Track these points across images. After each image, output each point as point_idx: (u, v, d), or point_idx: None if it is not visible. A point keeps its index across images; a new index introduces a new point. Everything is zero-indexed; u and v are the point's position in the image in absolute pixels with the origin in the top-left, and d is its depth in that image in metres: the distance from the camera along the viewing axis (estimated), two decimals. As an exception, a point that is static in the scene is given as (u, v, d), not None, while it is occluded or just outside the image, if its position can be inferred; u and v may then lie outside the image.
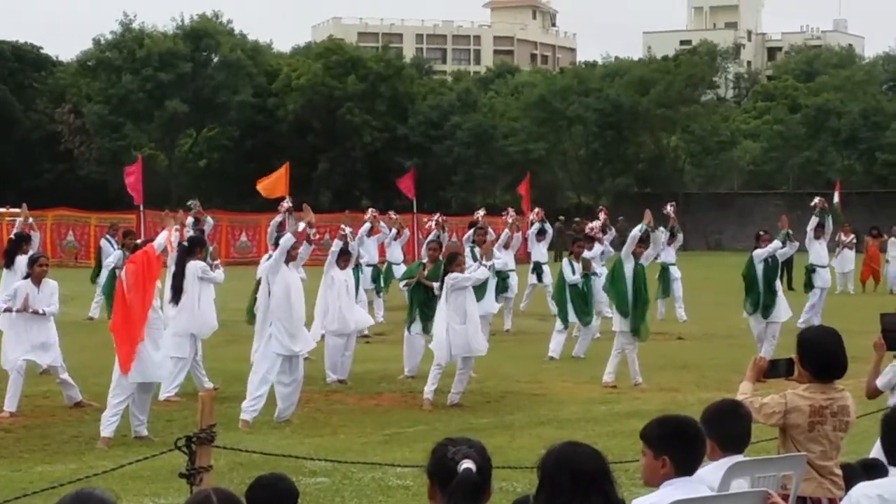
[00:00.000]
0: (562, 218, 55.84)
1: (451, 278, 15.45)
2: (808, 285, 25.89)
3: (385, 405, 15.70)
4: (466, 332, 15.51)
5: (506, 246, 23.65)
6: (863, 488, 5.71)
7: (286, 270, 14.53)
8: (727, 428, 6.28)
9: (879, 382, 8.86)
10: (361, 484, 11.01)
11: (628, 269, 17.31)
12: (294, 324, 14.41)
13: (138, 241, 17.63)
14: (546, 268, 26.83)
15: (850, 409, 6.82)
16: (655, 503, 5.39)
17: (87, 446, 12.73)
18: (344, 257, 17.62)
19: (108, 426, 12.91)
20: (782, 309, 19.75)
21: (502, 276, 23.18)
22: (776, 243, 19.70)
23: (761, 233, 20.76)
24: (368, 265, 25.15)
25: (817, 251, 26.05)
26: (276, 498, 5.93)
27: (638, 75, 76.03)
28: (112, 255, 22.71)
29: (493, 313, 21.75)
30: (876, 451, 8.02)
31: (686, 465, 5.57)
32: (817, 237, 25.74)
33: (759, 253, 19.69)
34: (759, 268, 19.62)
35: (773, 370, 7.02)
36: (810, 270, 25.91)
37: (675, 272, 27.73)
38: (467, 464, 4.54)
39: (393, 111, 75.29)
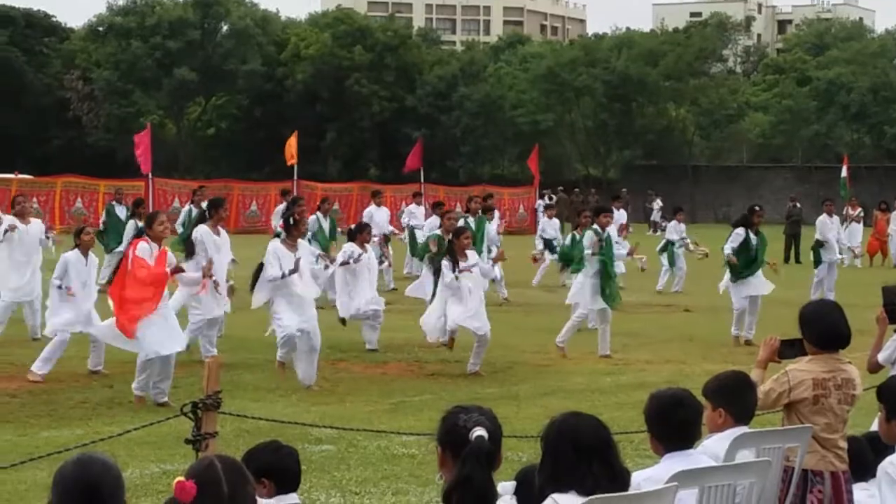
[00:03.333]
0: (560, 188, 55.52)
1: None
2: (817, 261, 25.58)
3: (391, 374, 15.73)
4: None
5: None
6: None
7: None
8: (745, 400, 6.32)
9: (881, 357, 8.74)
10: (367, 452, 11.05)
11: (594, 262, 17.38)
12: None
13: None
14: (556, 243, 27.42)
15: (856, 383, 6.75)
16: (655, 476, 5.42)
17: (94, 412, 12.77)
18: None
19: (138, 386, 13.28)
20: (762, 284, 19.49)
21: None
22: (738, 239, 19.17)
23: (756, 208, 20.08)
24: (375, 236, 25.34)
25: (826, 224, 26.07)
26: (285, 463, 5.95)
27: (647, 47, 75.78)
28: (129, 225, 22.91)
29: None
30: (877, 425, 8.01)
31: (676, 441, 5.64)
32: (828, 212, 25.99)
33: (727, 245, 19.24)
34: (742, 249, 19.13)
35: (788, 350, 6.90)
36: (818, 245, 25.76)
37: (678, 248, 28.22)
38: (479, 431, 4.56)
39: (401, 81, 75.11)
